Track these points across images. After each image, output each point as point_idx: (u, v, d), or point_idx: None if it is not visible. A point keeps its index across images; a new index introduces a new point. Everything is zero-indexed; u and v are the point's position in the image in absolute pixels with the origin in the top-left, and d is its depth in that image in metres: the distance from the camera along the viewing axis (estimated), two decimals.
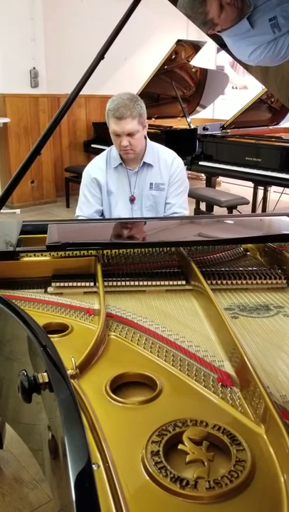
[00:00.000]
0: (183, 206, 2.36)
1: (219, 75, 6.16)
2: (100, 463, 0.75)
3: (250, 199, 4.91)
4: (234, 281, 1.48)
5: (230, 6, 1.54)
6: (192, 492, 0.70)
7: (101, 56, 1.70)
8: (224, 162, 4.66)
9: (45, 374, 0.87)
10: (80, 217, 2.33)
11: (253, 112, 5.15)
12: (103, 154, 2.36)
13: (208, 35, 1.71)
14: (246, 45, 1.65)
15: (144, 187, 2.31)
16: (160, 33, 6.42)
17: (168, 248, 1.67)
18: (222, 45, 1.80)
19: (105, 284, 1.46)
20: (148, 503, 0.70)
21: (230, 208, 4.39)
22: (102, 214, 2.36)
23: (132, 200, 2.32)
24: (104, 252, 1.63)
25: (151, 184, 2.31)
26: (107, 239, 1.76)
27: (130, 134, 2.15)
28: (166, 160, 2.31)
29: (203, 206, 4.86)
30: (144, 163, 2.29)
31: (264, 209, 4.88)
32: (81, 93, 1.79)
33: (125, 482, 0.72)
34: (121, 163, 2.29)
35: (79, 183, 2.46)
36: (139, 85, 5.45)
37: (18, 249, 1.58)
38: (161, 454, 0.77)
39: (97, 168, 2.33)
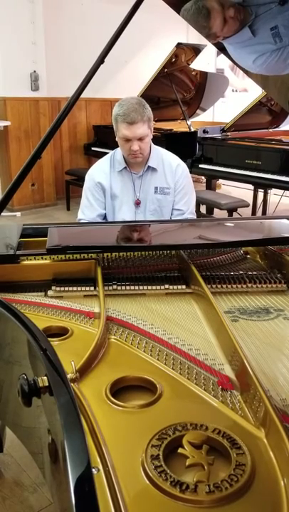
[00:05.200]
0: (193, 212, 2.37)
1: (219, 78, 6.16)
2: (100, 467, 0.75)
3: (251, 202, 4.91)
4: (234, 285, 1.48)
5: (233, 19, 1.55)
6: (192, 496, 0.70)
7: (101, 60, 1.71)
8: (224, 165, 4.66)
9: (45, 378, 0.87)
10: (82, 221, 2.33)
11: (253, 115, 5.15)
12: (106, 158, 2.36)
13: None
14: (248, 52, 1.66)
15: (148, 191, 2.31)
16: (160, 36, 6.43)
17: (168, 251, 1.67)
18: (221, 49, 1.81)
19: (105, 287, 1.46)
20: (148, 507, 0.70)
21: (231, 211, 4.40)
22: (105, 217, 2.36)
23: (137, 203, 2.32)
24: (105, 255, 1.63)
25: (156, 188, 2.31)
26: (108, 242, 1.76)
27: (141, 139, 2.15)
28: (170, 164, 2.31)
29: (203, 209, 4.87)
30: (149, 167, 2.29)
31: (264, 212, 4.89)
32: (81, 96, 1.79)
33: (125, 486, 0.72)
34: (125, 167, 2.29)
35: (79, 186, 2.46)
36: (140, 88, 5.46)
37: (18, 252, 1.58)
38: (161, 458, 0.76)
39: (101, 172, 2.32)
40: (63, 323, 1.28)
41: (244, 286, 1.48)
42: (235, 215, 4.43)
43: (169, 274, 1.57)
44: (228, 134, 5.10)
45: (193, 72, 5.66)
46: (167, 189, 2.31)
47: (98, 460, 0.77)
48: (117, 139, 2.22)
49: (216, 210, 4.75)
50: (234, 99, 7.63)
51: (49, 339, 1.04)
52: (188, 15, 1.56)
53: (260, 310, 1.36)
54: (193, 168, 4.85)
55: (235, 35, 1.61)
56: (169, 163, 2.32)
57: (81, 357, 1.04)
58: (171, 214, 2.35)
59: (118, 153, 2.31)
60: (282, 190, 4.87)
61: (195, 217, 2.39)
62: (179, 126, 5.63)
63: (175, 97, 5.43)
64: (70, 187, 5.89)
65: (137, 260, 1.65)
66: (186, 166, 2.38)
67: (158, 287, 1.48)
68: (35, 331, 1.04)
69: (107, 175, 2.30)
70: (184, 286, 1.49)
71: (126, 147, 2.19)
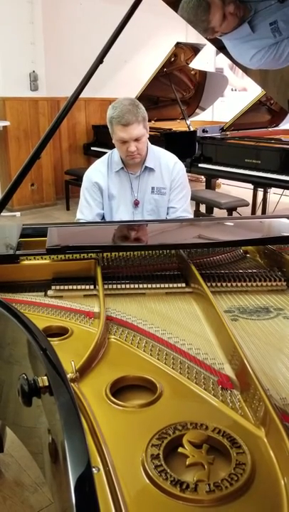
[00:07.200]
0: (187, 210, 2.37)
1: (218, 77, 6.17)
2: (100, 466, 0.75)
3: (250, 201, 4.91)
4: (234, 284, 1.48)
5: (232, 15, 1.55)
6: (192, 495, 0.70)
7: (100, 60, 1.71)
8: (224, 164, 4.66)
9: (45, 378, 0.87)
10: (81, 221, 2.33)
11: (252, 114, 5.15)
12: (104, 158, 2.36)
13: (207, 38, 1.71)
14: (247, 48, 1.66)
15: (145, 191, 2.31)
16: (159, 35, 6.43)
17: (168, 251, 1.67)
18: (220, 48, 1.81)
19: (105, 286, 1.46)
20: (148, 506, 0.70)
21: (230, 210, 4.40)
22: (103, 218, 2.36)
23: (136, 204, 2.32)
24: (104, 254, 1.63)
25: (152, 188, 2.30)
26: (107, 242, 1.76)
27: (137, 139, 2.14)
28: (167, 164, 2.31)
29: (203, 208, 4.86)
30: (146, 167, 2.29)
31: (264, 211, 4.89)
32: (81, 96, 1.78)
33: (125, 485, 0.72)
34: (122, 168, 2.29)
35: (79, 185, 2.46)
36: (139, 88, 5.46)
37: (18, 252, 1.58)
38: (161, 458, 0.76)
39: (98, 173, 2.32)
40: (63, 323, 1.28)
41: (244, 284, 1.48)
42: (234, 214, 4.43)
43: (169, 273, 1.56)
44: (228, 133, 5.10)
45: (193, 72, 5.66)
46: (164, 189, 2.31)
47: (98, 459, 0.77)
48: (113, 142, 2.22)
49: (215, 210, 4.75)
50: (233, 98, 7.63)
51: (49, 339, 1.04)
52: (188, 7, 1.56)
53: (260, 309, 1.36)
54: (192, 167, 4.85)
55: (235, 31, 1.61)
56: (166, 162, 2.31)
57: (81, 357, 1.04)
58: (167, 213, 2.35)
59: (115, 153, 2.31)
60: (282, 190, 4.88)
61: (189, 216, 2.39)
62: (178, 126, 5.63)
63: (174, 97, 5.43)
64: (70, 187, 5.89)
65: (137, 260, 1.64)
66: (182, 165, 2.38)
67: (158, 285, 1.48)
68: (35, 331, 1.04)
69: (104, 176, 2.30)
70: (183, 285, 1.49)
71: (123, 149, 2.19)
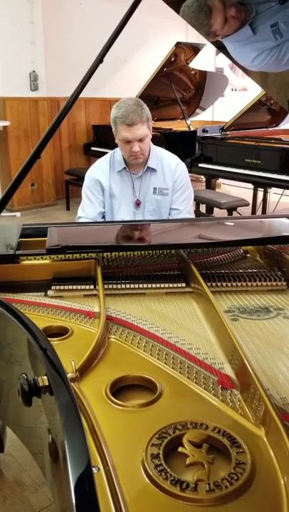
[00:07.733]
0: (190, 212, 2.37)
1: (218, 77, 6.16)
2: (100, 466, 0.76)
3: (250, 201, 4.91)
4: (234, 284, 1.48)
5: (234, 18, 1.55)
6: (192, 495, 0.70)
7: (100, 60, 1.71)
8: (224, 164, 4.66)
9: (45, 377, 0.87)
10: (82, 218, 2.33)
11: (252, 114, 5.15)
12: (106, 158, 2.36)
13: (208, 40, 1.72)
14: (248, 50, 1.66)
15: (147, 191, 2.31)
16: (159, 35, 6.43)
17: (168, 250, 1.67)
18: (221, 48, 1.81)
19: (105, 286, 1.46)
20: (148, 505, 0.70)
21: (230, 210, 4.40)
22: (104, 217, 2.36)
23: (138, 204, 2.32)
24: (104, 254, 1.63)
25: (154, 189, 2.30)
26: (107, 242, 1.76)
27: (141, 139, 2.15)
28: (169, 165, 2.31)
29: (203, 208, 4.87)
30: (148, 167, 2.29)
31: (264, 211, 4.89)
32: (81, 96, 1.78)
33: (125, 485, 0.72)
34: (125, 168, 2.29)
35: (79, 185, 2.47)
36: (139, 88, 5.46)
37: (18, 252, 1.58)
38: (161, 457, 0.77)
39: (100, 171, 2.32)
40: (63, 322, 1.28)
41: (244, 284, 1.48)
42: (235, 214, 4.43)
43: (169, 273, 1.56)
44: (228, 133, 5.10)
45: (193, 72, 5.66)
46: (166, 190, 2.31)
47: (98, 459, 0.77)
48: (116, 141, 2.22)
49: (215, 210, 4.75)
50: (233, 98, 7.63)
51: (49, 339, 1.04)
52: (190, 11, 1.56)
53: (260, 309, 1.36)
54: (192, 167, 4.85)
55: (236, 34, 1.61)
56: (168, 163, 2.31)
57: (81, 356, 1.04)
58: (169, 214, 2.35)
59: (118, 153, 2.31)
60: (282, 189, 4.88)
61: (192, 217, 2.39)
62: (178, 126, 5.63)
63: (174, 97, 5.43)
64: (70, 187, 5.89)
65: (137, 260, 1.65)
66: (185, 166, 2.38)
67: (158, 285, 1.48)
68: (35, 331, 1.04)
69: (106, 174, 2.31)
70: (183, 284, 1.49)
71: (126, 149, 2.18)
